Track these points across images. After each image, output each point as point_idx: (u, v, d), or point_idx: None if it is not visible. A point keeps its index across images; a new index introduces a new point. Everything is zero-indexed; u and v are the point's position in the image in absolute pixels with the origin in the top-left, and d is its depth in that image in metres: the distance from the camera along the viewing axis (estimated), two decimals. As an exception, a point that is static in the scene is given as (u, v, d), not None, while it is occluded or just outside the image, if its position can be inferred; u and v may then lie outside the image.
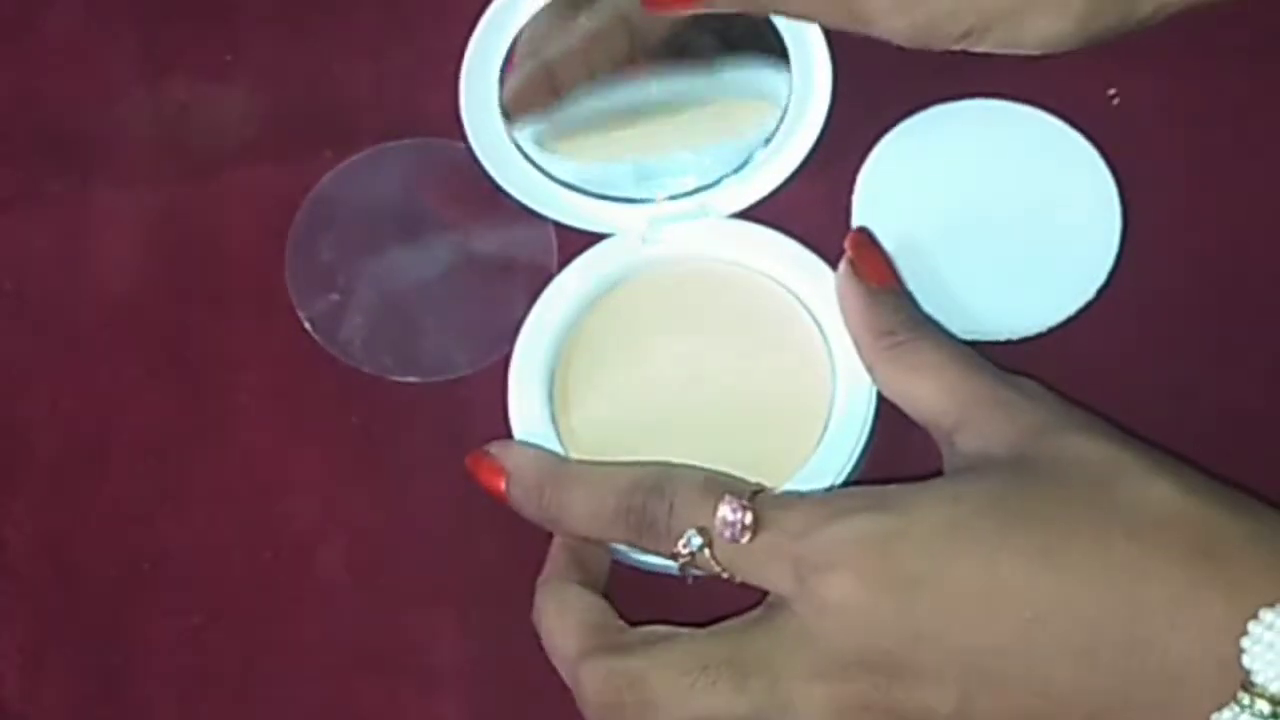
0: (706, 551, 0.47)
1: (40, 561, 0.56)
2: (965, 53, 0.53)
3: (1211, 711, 0.42)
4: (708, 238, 0.55)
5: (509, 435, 0.53)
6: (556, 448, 0.53)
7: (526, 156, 0.56)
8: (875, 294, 0.52)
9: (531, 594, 0.51)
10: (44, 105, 0.61)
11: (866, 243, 0.53)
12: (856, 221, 0.55)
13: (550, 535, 0.52)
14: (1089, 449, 0.46)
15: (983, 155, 0.56)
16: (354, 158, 0.59)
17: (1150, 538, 0.44)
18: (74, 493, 0.57)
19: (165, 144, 0.60)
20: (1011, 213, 0.55)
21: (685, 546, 0.47)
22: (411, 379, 0.56)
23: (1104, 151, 0.56)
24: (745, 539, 0.47)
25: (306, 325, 0.57)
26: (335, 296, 0.57)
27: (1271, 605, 0.42)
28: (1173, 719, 0.43)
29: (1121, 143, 0.56)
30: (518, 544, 0.54)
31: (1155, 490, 0.45)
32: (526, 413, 0.54)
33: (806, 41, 0.55)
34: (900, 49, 0.53)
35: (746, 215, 0.56)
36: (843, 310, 0.52)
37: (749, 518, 0.47)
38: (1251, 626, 0.42)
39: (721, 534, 0.47)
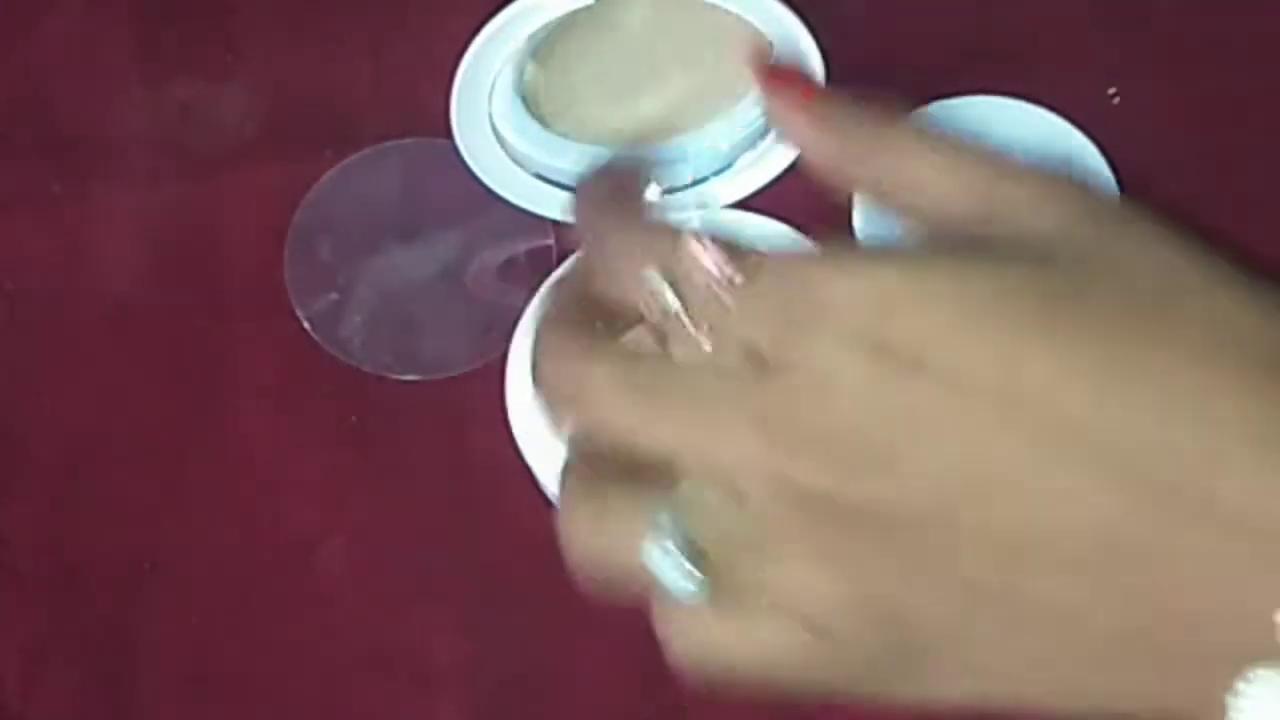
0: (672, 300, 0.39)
1: (40, 561, 0.56)
2: (965, 52, 0.53)
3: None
4: (706, 230, 0.56)
5: (509, 432, 0.53)
6: (555, 442, 0.53)
7: (518, 162, 0.56)
8: (820, 103, 0.43)
9: (531, 594, 0.51)
10: (44, 105, 0.61)
11: (775, 71, 0.44)
12: (857, 215, 0.55)
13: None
14: (1157, 245, 0.37)
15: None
16: (354, 158, 0.59)
17: (1232, 364, 0.34)
18: (74, 493, 0.57)
19: (165, 144, 0.60)
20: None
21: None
22: (411, 377, 0.56)
23: (1104, 150, 0.56)
24: (734, 280, 0.38)
25: (306, 324, 0.57)
26: (335, 295, 0.58)
27: None
28: (1230, 602, 0.33)
29: (1121, 142, 0.56)
30: (518, 544, 0.54)
31: (1244, 311, 0.35)
32: (525, 409, 0.54)
33: (795, 36, 0.55)
34: (898, 47, 0.53)
35: (744, 206, 0.56)
36: (803, 151, 0.42)
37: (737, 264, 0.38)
38: None
39: (704, 276, 0.38)
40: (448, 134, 0.53)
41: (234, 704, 0.54)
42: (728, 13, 0.51)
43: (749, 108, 0.56)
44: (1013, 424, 0.34)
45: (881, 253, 0.37)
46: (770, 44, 0.53)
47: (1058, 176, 0.39)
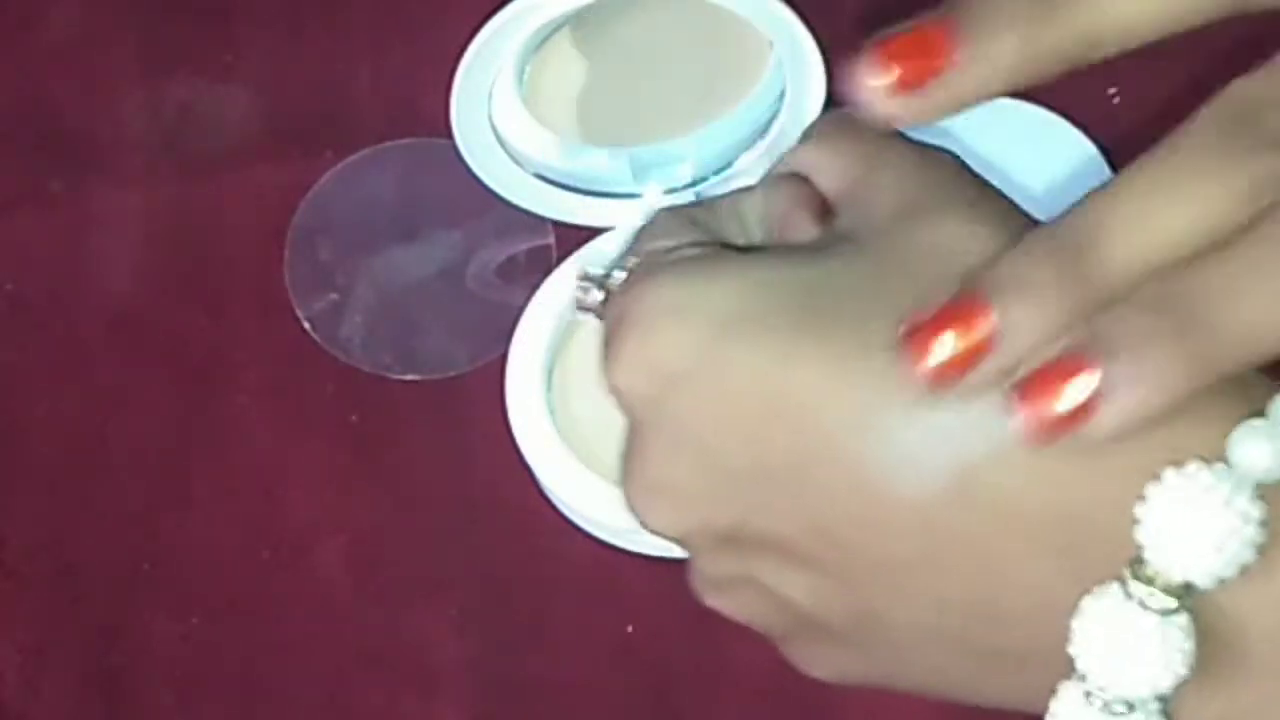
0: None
1: (40, 561, 0.56)
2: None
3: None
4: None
5: (509, 432, 0.53)
6: (556, 443, 0.53)
7: (518, 162, 0.56)
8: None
9: (531, 594, 0.51)
10: (44, 105, 0.61)
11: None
12: None
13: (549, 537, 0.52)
14: (953, 232, 0.37)
15: (983, 152, 0.56)
16: (354, 158, 0.59)
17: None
18: (74, 493, 0.57)
19: (165, 144, 0.60)
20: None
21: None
22: (411, 377, 0.56)
23: (1104, 150, 0.56)
24: (600, 296, 0.41)
25: (306, 325, 0.57)
26: (335, 296, 0.58)
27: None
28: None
29: (1121, 142, 0.56)
30: (518, 544, 0.54)
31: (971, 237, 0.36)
32: (526, 408, 0.54)
33: (795, 36, 0.55)
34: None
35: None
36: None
37: (612, 274, 0.41)
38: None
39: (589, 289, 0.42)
40: (448, 134, 0.53)
41: (234, 704, 0.54)
42: (728, 13, 0.51)
43: (749, 108, 0.56)
44: (782, 430, 0.36)
45: (668, 266, 0.39)
46: (770, 43, 0.53)
47: (909, 167, 0.39)
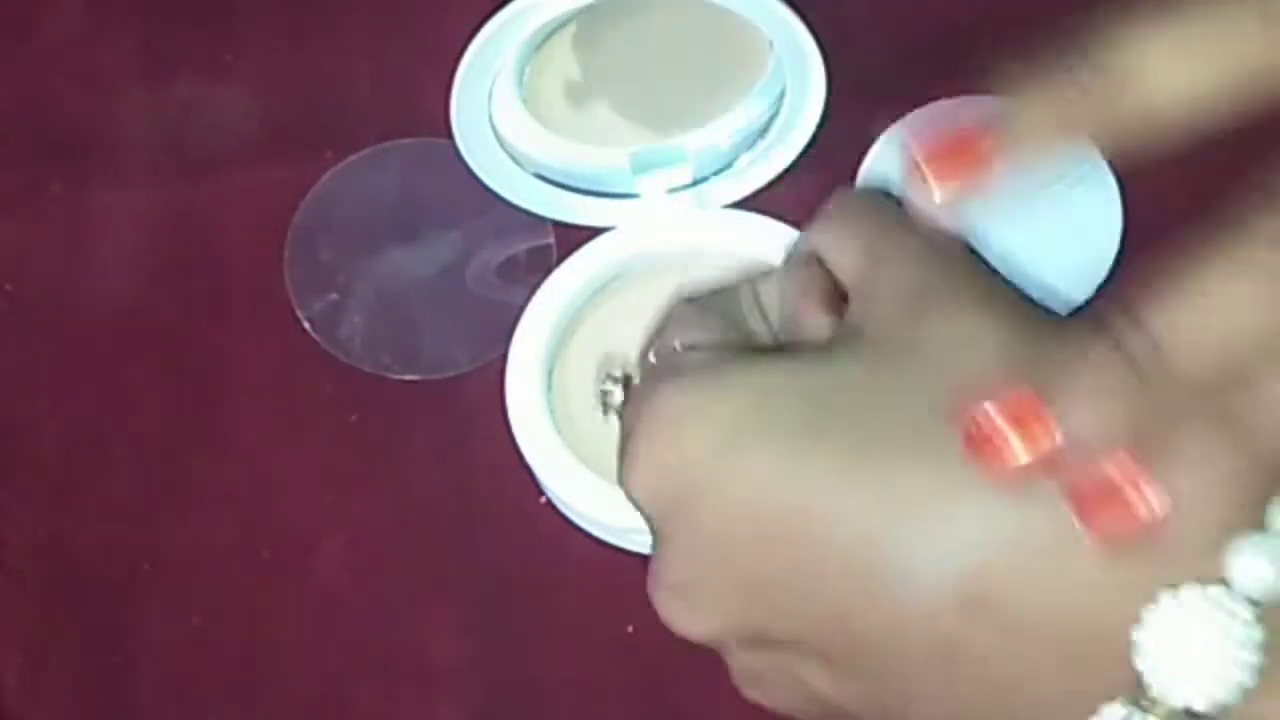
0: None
1: (40, 561, 0.56)
2: (966, 51, 0.53)
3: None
4: (706, 230, 0.56)
5: (509, 432, 0.53)
6: (555, 442, 0.53)
7: (518, 162, 0.56)
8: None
9: (531, 594, 0.51)
10: (44, 105, 0.61)
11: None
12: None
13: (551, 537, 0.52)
14: (963, 327, 0.36)
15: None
16: (354, 158, 0.59)
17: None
18: (74, 493, 0.57)
19: (165, 144, 0.60)
20: (1011, 212, 0.55)
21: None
22: (411, 377, 0.56)
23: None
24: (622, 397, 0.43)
25: (306, 325, 0.57)
26: (334, 296, 0.58)
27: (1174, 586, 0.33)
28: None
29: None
30: (518, 544, 0.54)
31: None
32: (525, 408, 0.54)
33: (795, 36, 0.55)
34: (899, 47, 0.53)
35: (745, 207, 0.56)
36: None
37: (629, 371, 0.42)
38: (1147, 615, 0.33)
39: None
40: (448, 134, 0.53)
41: (234, 704, 0.54)
42: (728, 13, 0.51)
43: (749, 108, 0.56)
44: (793, 541, 0.36)
45: (679, 373, 0.39)
46: (770, 43, 0.53)
47: (917, 259, 0.38)
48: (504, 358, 0.54)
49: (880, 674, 0.37)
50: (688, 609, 0.39)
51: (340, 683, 0.54)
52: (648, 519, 0.39)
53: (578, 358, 0.55)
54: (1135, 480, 0.33)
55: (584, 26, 0.58)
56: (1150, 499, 0.32)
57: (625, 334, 0.55)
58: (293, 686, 0.54)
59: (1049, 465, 0.33)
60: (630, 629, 0.53)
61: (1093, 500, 0.33)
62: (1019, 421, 0.33)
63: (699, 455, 0.37)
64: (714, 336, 0.41)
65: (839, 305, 0.40)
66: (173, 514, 0.56)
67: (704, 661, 0.53)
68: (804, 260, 0.42)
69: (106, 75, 0.62)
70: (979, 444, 0.33)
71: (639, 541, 0.53)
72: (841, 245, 0.40)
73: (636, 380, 0.42)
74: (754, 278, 0.43)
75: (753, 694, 0.42)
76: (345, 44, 0.61)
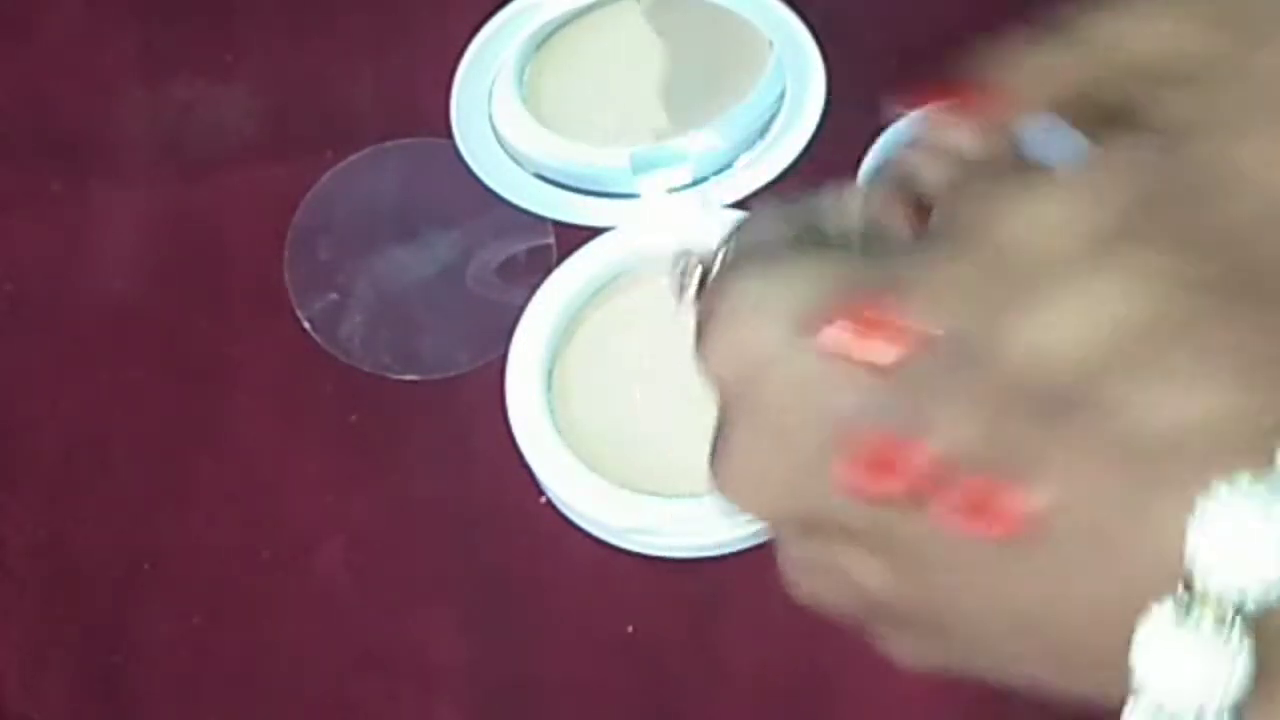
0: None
1: (40, 561, 0.56)
2: (965, 50, 0.53)
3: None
4: (707, 229, 0.56)
5: (509, 431, 0.53)
6: (555, 442, 0.53)
7: (518, 162, 0.56)
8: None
9: (531, 594, 0.51)
10: (44, 105, 0.61)
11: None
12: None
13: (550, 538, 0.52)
14: (1030, 215, 0.37)
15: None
16: (354, 158, 0.59)
17: None
18: (74, 493, 0.57)
19: (165, 144, 0.60)
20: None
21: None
22: (411, 377, 0.56)
23: (1104, 150, 0.56)
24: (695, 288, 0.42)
25: (306, 325, 0.57)
26: (335, 296, 0.58)
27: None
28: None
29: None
30: (517, 544, 0.54)
31: None
32: (525, 408, 0.54)
33: (795, 36, 0.55)
34: (899, 47, 0.53)
35: (745, 207, 0.56)
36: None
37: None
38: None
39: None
40: (448, 134, 0.53)
41: (233, 704, 0.54)
42: (728, 13, 0.51)
43: (749, 108, 0.56)
44: None
45: (753, 260, 0.39)
46: (770, 43, 0.53)
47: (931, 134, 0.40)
48: (504, 358, 0.54)
49: (928, 563, 0.37)
50: (751, 491, 0.39)
51: (340, 682, 0.54)
52: (719, 401, 0.39)
53: (578, 358, 0.55)
54: (998, 487, 0.33)
55: (584, 27, 0.58)
56: (1018, 497, 0.33)
57: (625, 334, 0.56)
58: (292, 686, 0.54)
59: (922, 484, 0.34)
60: (630, 629, 0.53)
61: (967, 512, 0.34)
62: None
63: (770, 337, 0.37)
64: (793, 233, 0.42)
65: (923, 217, 0.40)
66: (173, 514, 0.56)
67: (704, 661, 0.53)
68: (889, 177, 0.42)
69: (106, 75, 0.62)
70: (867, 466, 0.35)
71: (639, 541, 0.53)
72: (931, 160, 0.41)
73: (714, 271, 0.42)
74: (836, 192, 0.44)
75: (798, 586, 0.42)
76: (345, 44, 0.61)
